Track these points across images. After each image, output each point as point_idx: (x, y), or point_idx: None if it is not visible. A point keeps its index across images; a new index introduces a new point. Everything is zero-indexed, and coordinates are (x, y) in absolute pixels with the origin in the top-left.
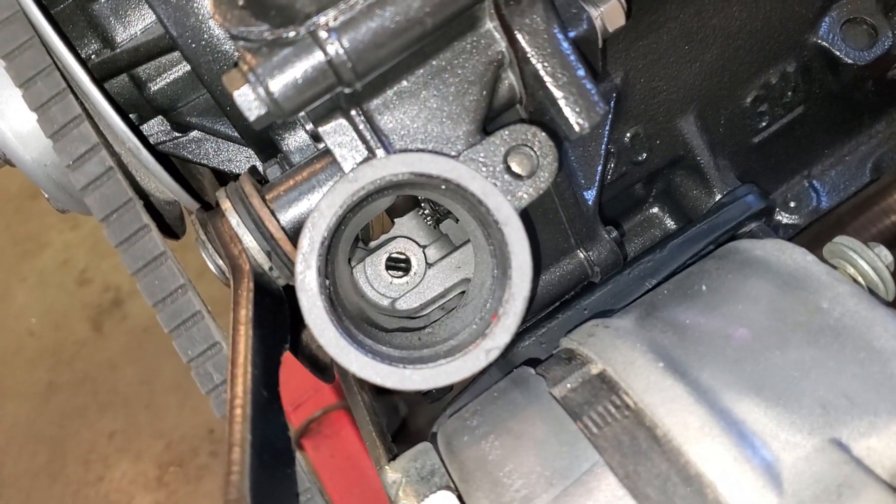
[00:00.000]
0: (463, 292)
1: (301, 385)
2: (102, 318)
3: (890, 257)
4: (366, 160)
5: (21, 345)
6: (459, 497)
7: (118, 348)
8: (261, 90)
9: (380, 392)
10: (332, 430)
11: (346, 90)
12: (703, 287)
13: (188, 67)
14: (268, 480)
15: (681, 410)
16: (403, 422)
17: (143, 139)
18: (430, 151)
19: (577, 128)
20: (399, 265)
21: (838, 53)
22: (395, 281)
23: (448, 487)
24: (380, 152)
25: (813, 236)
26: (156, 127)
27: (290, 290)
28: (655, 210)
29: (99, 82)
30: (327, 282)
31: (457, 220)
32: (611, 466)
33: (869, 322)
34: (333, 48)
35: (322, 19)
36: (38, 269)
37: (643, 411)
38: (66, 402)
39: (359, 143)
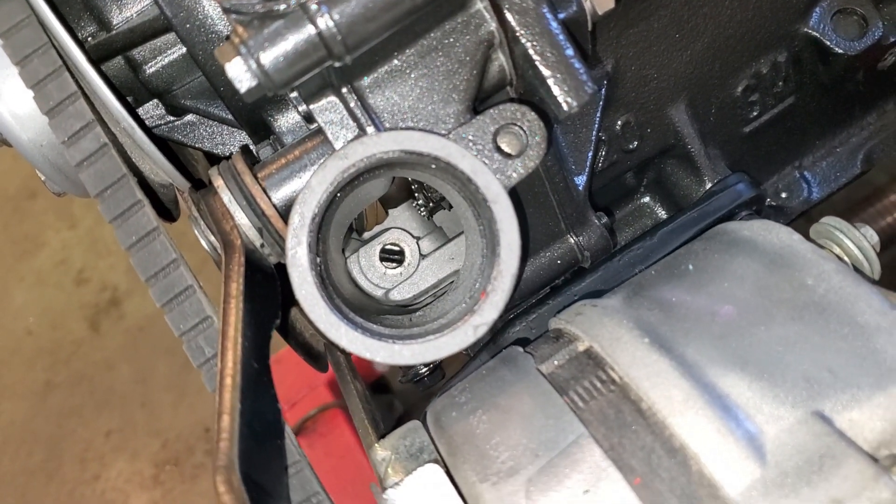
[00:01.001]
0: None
1: (296, 383)
2: (99, 317)
3: (875, 237)
4: (356, 138)
5: (19, 344)
6: (447, 471)
7: (115, 348)
8: (252, 62)
9: (376, 390)
10: (327, 428)
11: (337, 64)
12: (691, 267)
13: (183, 50)
14: (257, 449)
15: (665, 384)
16: (398, 421)
17: (138, 120)
18: (421, 129)
19: (565, 106)
20: (393, 256)
21: (829, 43)
22: (389, 272)
23: (436, 462)
24: (370, 130)
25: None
26: (151, 111)
27: (282, 271)
28: (647, 199)
29: (95, 63)
30: (318, 259)
31: (449, 208)
32: (596, 439)
33: (853, 298)
34: (323, 21)
35: None
36: (35, 268)
37: (628, 385)
38: (63, 401)
39: (350, 120)
